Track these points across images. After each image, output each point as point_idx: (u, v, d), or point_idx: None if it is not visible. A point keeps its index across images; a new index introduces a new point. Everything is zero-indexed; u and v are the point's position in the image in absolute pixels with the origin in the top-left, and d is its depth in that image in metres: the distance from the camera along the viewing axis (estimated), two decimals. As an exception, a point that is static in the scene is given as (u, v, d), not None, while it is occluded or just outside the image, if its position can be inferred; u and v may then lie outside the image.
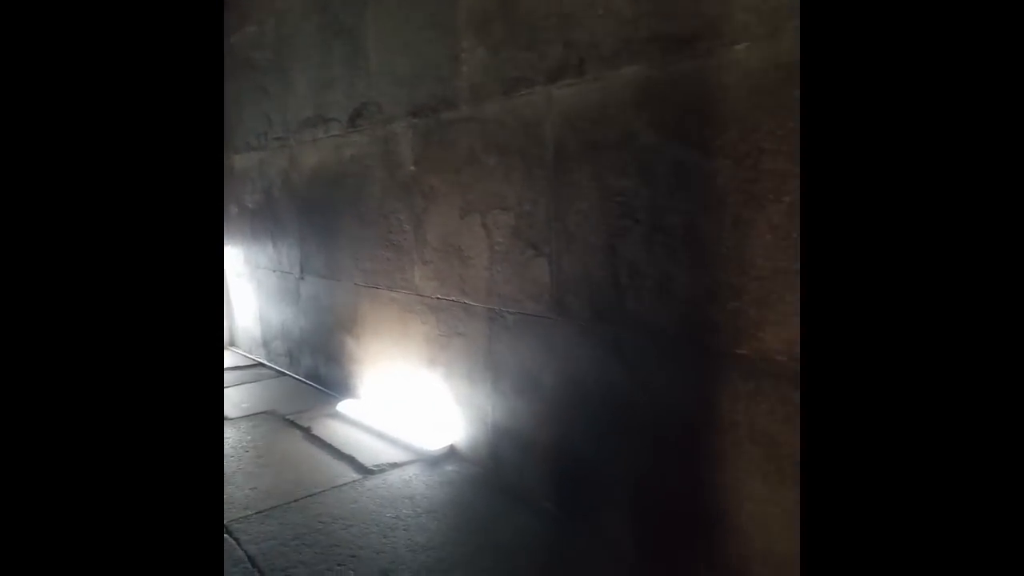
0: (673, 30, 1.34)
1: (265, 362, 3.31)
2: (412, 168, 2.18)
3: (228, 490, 1.82)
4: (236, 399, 2.69)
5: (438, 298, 2.12)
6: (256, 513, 1.70)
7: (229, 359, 3.41)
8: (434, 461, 2.00)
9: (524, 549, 1.53)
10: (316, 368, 2.89)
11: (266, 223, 3.18)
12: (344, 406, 2.48)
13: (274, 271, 3.17)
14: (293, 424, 2.35)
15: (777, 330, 1.23)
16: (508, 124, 1.78)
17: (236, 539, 1.56)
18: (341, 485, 1.87)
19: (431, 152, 2.09)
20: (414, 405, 2.23)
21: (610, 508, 1.58)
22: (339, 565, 1.46)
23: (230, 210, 3.54)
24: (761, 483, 1.28)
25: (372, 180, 2.38)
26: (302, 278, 2.92)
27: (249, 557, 1.49)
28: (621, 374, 1.53)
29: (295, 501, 1.77)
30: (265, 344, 3.36)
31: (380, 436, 2.19)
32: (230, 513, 1.69)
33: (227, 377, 3.04)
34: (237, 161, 3.41)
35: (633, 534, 1.53)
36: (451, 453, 2.04)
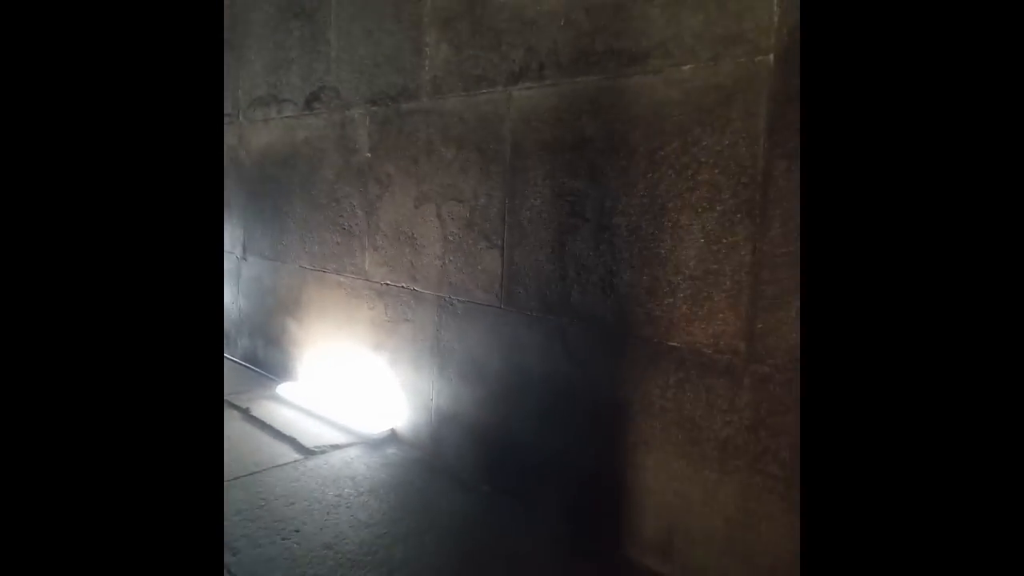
0: (627, 46, 1.45)
1: (199, 343, 3.22)
2: (368, 155, 2.20)
3: (163, 467, 1.79)
4: (168, 379, 2.61)
5: (387, 284, 2.16)
6: (194, 489, 1.68)
7: (159, 339, 3.28)
8: (375, 444, 2.04)
9: (463, 527, 1.61)
10: (254, 350, 2.85)
11: (208, 200, 3.09)
12: (283, 389, 2.47)
13: (214, 250, 3.09)
14: (231, 405, 2.32)
15: (705, 325, 1.36)
16: (468, 120, 1.85)
17: (174, 513, 1.55)
18: (282, 464, 1.88)
19: (388, 140, 2.13)
20: (357, 389, 2.26)
21: (546, 489, 1.68)
22: (283, 539, 1.49)
23: (168, 185, 3.41)
24: (685, 464, 1.41)
25: (326, 164, 2.39)
26: (244, 258, 2.87)
27: (188, 531, 1.49)
28: (564, 362, 1.63)
29: (236, 479, 1.77)
30: (199, 325, 3.26)
31: (321, 419, 2.21)
32: (166, 489, 1.67)
33: (157, 357, 2.94)
34: (179, 135, 3.30)
35: (567, 513, 1.63)
36: (393, 437, 2.08)
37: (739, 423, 1.32)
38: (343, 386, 2.32)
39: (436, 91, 1.95)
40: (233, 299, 2.96)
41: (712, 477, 1.37)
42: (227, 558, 1.40)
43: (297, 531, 1.52)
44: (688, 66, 1.36)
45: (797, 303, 1.23)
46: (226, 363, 2.90)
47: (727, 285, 1.32)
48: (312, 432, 2.09)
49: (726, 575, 1.35)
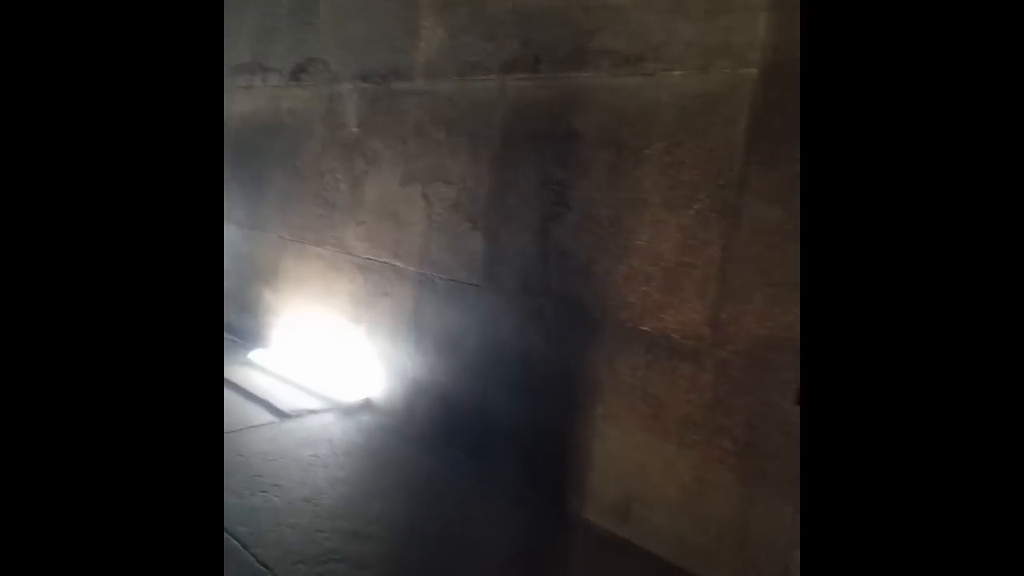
0: (623, 47, 1.56)
1: (163, 307, 3.18)
2: (356, 130, 2.24)
3: (138, 423, 1.82)
4: (135, 339, 2.60)
5: (368, 259, 2.22)
6: (171, 445, 1.72)
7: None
8: (351, 411, 2.11)
9: (435, 488, 1.70)
10: (229, 317, 2.85)
11: (181, 163, 3.05)
12: (258, 355, 2.50)
13: (185, 214, 3.05)
14: (202, 368, 2.33)
15: (675, 313, 1.49)
16: (460, 104, 1.92)
17: (155, 466, 1.59)
18: (258, 426, 1.93)
19: (377, 118, 2.17)
20: (333, 359, 2.31)
21: (517, 457, 1.79)
22: (263, 492, 1.55)
23: (138, 144, 3.34)
24: (646, 437, 1.54)
25: (311, 136, 2.41)
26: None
27: (169, 482, 1.53)
28: (540, 341, 1.74)
29: (211, 437, 1.80)
30: (165, 288, 3.22)
31: (296, 385, 2.25)
32: (144, 443, 1.70)
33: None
34: (153, 93, 3.23)
35: (536, 479, 1.75)
36: (368, 404, 2.15)
37: (699, 402, 1.45)
38: (319, 355, 2.37)
39: (429, 74, 2.01)
40: (204, 264, 2.94)
41: (671, 450, 1.50)
42: (209, 509, 1.46)
43: (276, 485, 1.59)
44: (678, 72, 1.47)
45: (759, 296, 1.36)
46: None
47: (697, 277, 1.45)
48: (287, 397, 2.14)
49: (679, 538, 1.49)
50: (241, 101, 2.71)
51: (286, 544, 1.38)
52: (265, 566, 1.30)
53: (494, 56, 1.83)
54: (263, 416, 2.00)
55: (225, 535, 1.37)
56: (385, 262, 2.15)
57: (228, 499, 1.50)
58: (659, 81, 1.49)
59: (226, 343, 2.69)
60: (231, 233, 2.79)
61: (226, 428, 1.88)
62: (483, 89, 1.86)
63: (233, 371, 2.34)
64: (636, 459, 1.56)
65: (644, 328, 1.54)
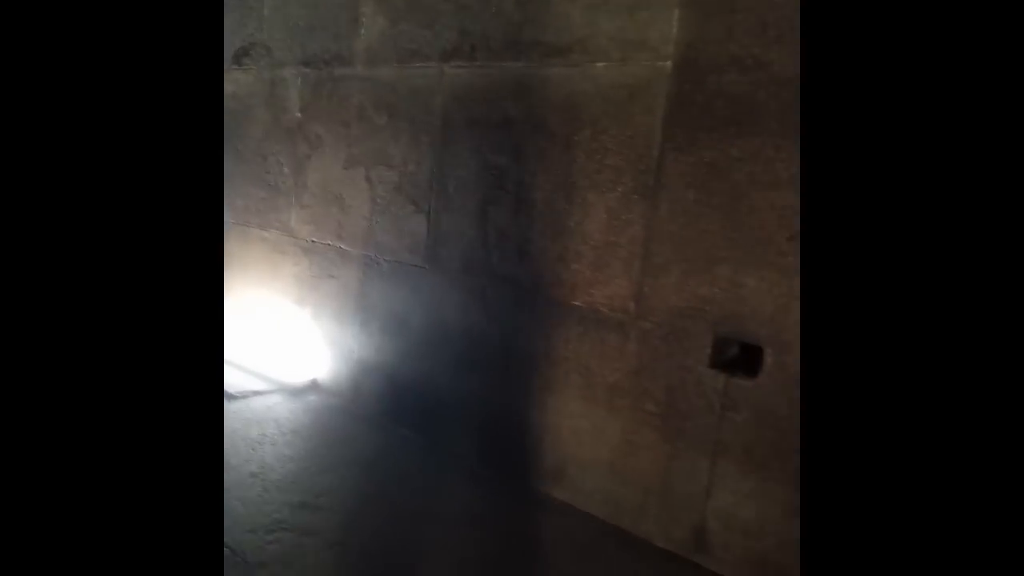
0: (551, 39, 1.65)
1: (101, 294, 3.11)
2: (298, 115, 2.26)
3: (79, 408, 1.82)
4: (72, 327, 2.55)
5: (313, 241, 2.25)
6: (115, 428, 1.73)
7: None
8: (297, 392, 2.15)
9: (382, 463, 1.78)
10: (166, 303, 2.82)
11: (117, 147, 2.98)
12: (201, 340, 2.49)
13: (122, 199, 2.99)
14: (144, 354, 2.32)
15: (604, 288, 1.60)
16: (400, 90, 1.98)
17: (99, 447, 1.61)
18: (204, 408, 1.95)
19: (320, 103, 2.20)
20: (278, 341, 2.34)
21: (460, 431, 1.88)
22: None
23: (69, 127, 3.23)
24: (580, 404, 1.65)
25: (253, 120, 2.41)
26: (158, 210, 2.82)
27: (114, 462, 1.55)
28: (482, 318, 1.83)
29: (156, 419, 1.82)
30: (102, 276, 3.15)
31: (240, 367, 2.27)
32: (86, 427, 1.71)
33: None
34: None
35: (479, 451, 1.84)
36: (314, 385, 2.20)
37: (625, 369, 1.58)
38: (264, 338, 2.39)
39: (370, 60, 2.05)
40: (143, 250, 2.90)
41: (601, 415, 1.62)
42: (156, 486, 1.49)
43: (225, 462, 1.63)
44: (601, 63, 1.57)
45: (677, 270, 1.49)
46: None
47: (623, 255, 1.57)
48: (233, 379, 2.16)
49: (610, 495, 1.61)
50: (179, 84, 2.67)
51: (235, 515, 1.43)
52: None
53: (433, 44, 1.89)
54: (209, 398, 2.02)
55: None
56: (330, 244, 2.19)
57: (175, 476, 1.53)
58: (584, 72, 1.59)
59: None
60: (171, 218, 2.76)
61: (171, 411, 1.90)
62: (423, 76, 1.92)
63: (177, 356, 2.33)
64: (570, 426, 1.68)
65: (576, 303, 1.65)
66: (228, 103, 2.49)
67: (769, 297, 1.36)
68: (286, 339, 2.32)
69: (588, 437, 1.65)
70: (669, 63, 1.48)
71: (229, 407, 1.98)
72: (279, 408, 2.02)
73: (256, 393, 2.09)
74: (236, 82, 2.46)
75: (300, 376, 2.20)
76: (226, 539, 1.34)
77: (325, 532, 1.42)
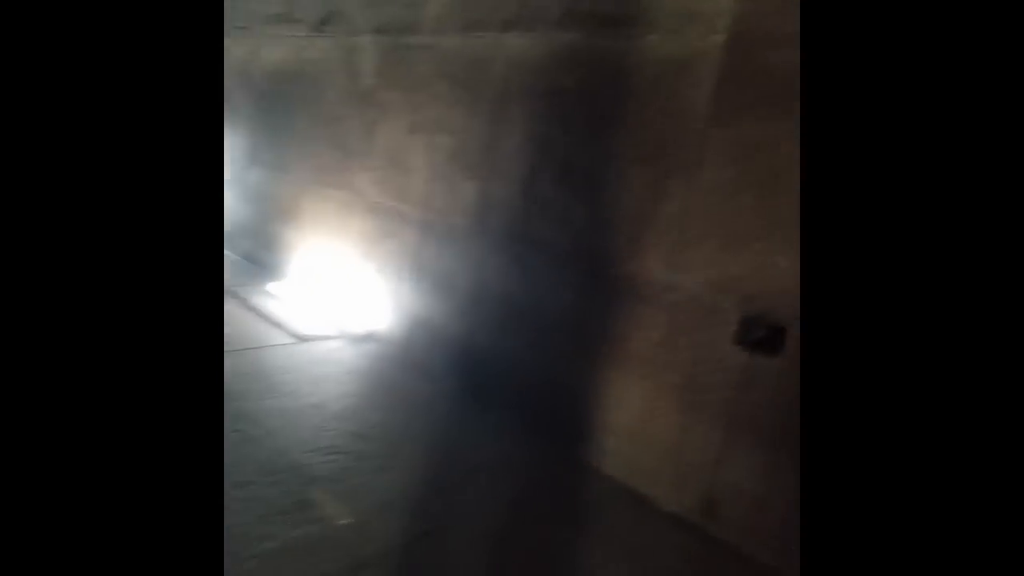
0: (607, 11, 1.68)
1: (199, 241, 3.47)
2: (371, 81, 2.41)
3: (175, 337, 2.10)
4: (173, 268, 2.90)
5: (378, 202, 2.42)
6: (202, 356, 2.00)
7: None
8: (357, 339, 2.36)
9: (428, 406, 1.95)
10: (253, 251, 3.12)
11: (215, 107, 3.27)
12: (279, 287, 2.76)
13: (219, 155, 3.29)
14: (232, 294, 2.61)
15: (638, 260, 1.66)
16: (462, 59, 2.07)
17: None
18: (275, 345, 2.19)
19: (390, 69, 2.33)
20: (343, 292, 2.56)
21: (497, 385, 2.02)
22: (281, 396, 1.82)
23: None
24: (607, 370, 1.73)
25: (331, 85, 2.58)
26: (248, 166, 3.09)
27: (199, 385, 1.81)
28: (521, 283, 1.93)
29: (239, 351, 2.08)
30: (201, 224, 3.50)
31: (310, 314, 2.51)
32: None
33: (161, 249, 3.20)
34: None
35: (512, 405, 1.97)
36: (372, 335, 2.40)
37: (653, 340, 1.64)
38: (332, 289, 2.62)
39: (437, 29, 2.15)
40: (236, 203, 3.20)
41: (626, 381, 1.70)
42: (236, 404, 1.73)
43: (292, 393, 1.85)
44: (654, 35, 1.59)
45: (710, 247, 1.52)
46: (227, 258, 3.17)
47: (659, 228, 1.61)
48: (302, 323, 2.40)
49: (628, 458, 1.70)
50: (271, 50, 2.89)
51: (299, 437, 1.64)
52: (282, 452, 1.56)
53: (493, 15, 1.96)
54: (280, 338, 2.26)
55: (250, 426, 1.64)
56: (392, 206, 2.36)
57: (252, 399, 1.77)
58: (637, 44, 1.61)
59: (250, 273, 2.96)
60: (258, 174, 3.03)
61: (250, 345, 2.15)
62: (483, 45, 2.00)
63: (258, 299, 2.61)
64: (597, 390, 1.76)
65: (610, 273, 1.71)
66: (308, 69, 2.68)
67: (793, 272, 1.37)
68: (351, 291, 2.53)
69: (612, 402, 1.73)
70: (722, 36, 1.48)
71: (297, 347, 2.21)
72: (341, 352, 2.23)
73: (322, 337, 2.32)
74: (317, 48, 2.63)
75: (361, 325, 2.41)
76: (291, 456, 1.55)
77: (373, 458, 1.61)
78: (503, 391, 2.00)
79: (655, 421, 1.64)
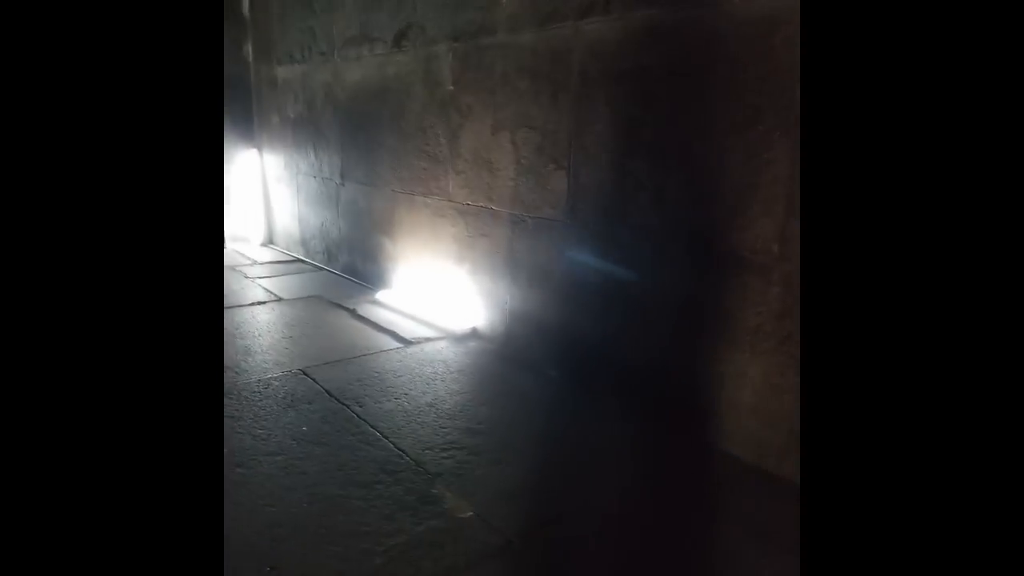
0: (685, -19, 1.62)
1: (303, 258, 3.71)
2: (451, 87, 2.47)
3: (297, 349, 2.26)
4: (284, 285, 3.10)
5: (467, 204, 2.48)
6: (324, 364, 2.13)
7: (269, 255, 3.80)
8: (460, 338, 2.42)
9: (535, 398, 1.97)
10: (353, 264, 3.29)
11: (307, 132, 3.48)
12: (381, 295, 2.89)
13: (314, 177, 3.50)
14: (339, 306, 2.77)
15: (744, 231, 1.59)
16: (540, 52, 2.08)
17: (312, 379, 2.00)
18: (387, 350, 2.30)
19: (468, 74, 2.38)
20: (442, 295, 2.64)
21: (602, 371, 2.01)
22: (395, 399, 1.90)
23: (271, 119, 3.82)
24: (722, 347, 1.68)
25: (412, 97, 2.68)
26: (342, 184, 3.26)
27: (325, 390, 1.93)
28: (619, 268, 1.91)
29: (352, 358, 2.20)
30: (303, 243, 3.74)
31: (414, 318, 2.61)
32: (303, 363, 2.13)
33: (270, 269, 3.45)
34: (280, 72, 3.66)
35: (620, 390, 1.96)
36: (474, 333, 2.46)
37: (768, 313, 1.57)
38: (431, 292, 2.71)
39: (511, 26, 2.17)
40: (334, 220, 3.39)
41: (744, 358, 1.64)
42: (355, 408, 1.83)
43: (406, 394, 1.94)
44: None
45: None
46: (329, 275, 3.36)
47: (764, 196, 1.54)
48: (408, 328, 2.50)
49: (752, 436, 1.64)
50: (352, 71, 3.04)
51: (416, 436, 1.71)
52: (402, 451, 1.64)
53: (569, 2, 1.95)
54: (390, 343, 2.37)
55: (370, 428, 1.73)
56: (482, 206, 2.40)
57: (368, 403, 1.86)
58: (719, 10, 1.55)
59: (356, 287, 3.12)
60: (352, 190, 3.18)
61: (361, 352, 2.27)
62: (560, 35, 1.99)
63: (364, 308, 2.75)
64: (713, 369, 1.71)
65: (716, 248, 1.66)
66: (391, 84, 2.79)
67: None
68: (448, 293, 2.60)
69: (730, 380, 1.68)
70: (813, -12, 1.39)
71: (406, 350, 2.31)
72: (446, 352, 2.30)
73: (427, 339, 2.40)
74: (397, 63, 2.73)
75: (462, 324, 2.48)
76: (410, 455, 1.62)
77: (488, 451, 1.65)
78: (612, 378, 1.98)
79: (779, 396, 1.57)
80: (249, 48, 3.93)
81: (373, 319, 2.60)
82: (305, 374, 2.04)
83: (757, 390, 1.62)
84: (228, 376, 2.01)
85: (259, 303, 2.82)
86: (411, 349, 2.32)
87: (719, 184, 1.62)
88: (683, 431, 1.77)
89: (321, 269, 3.48)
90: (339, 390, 1.94)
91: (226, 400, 1.85)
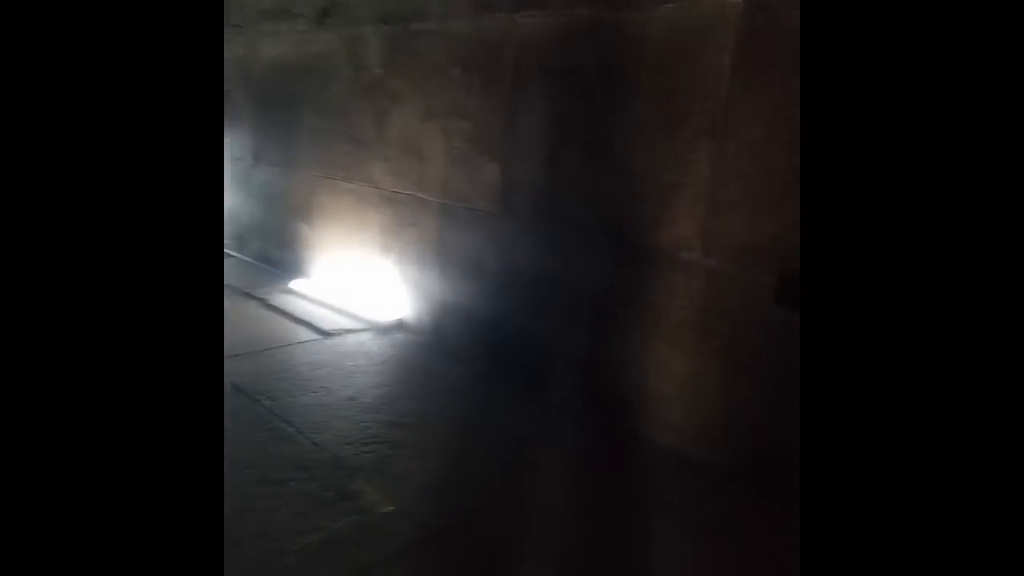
0: (621, -18, 1.66)
1: (209, 245, 3.45)
2: (379, 71, 2.39)
3: (202, 339, 2.09)
4: (188, 273, 2.88)
5: (395, 192, 2.40)
6: (231, 356, 1.98)
7: (170, 240, 3.51)
8: (385, 330, 2.35)
9: (463, 391, 1.95)
10: (266, 251, 3.10)
11: (217, 109, 3.24)
12: (297, 284, 2.75)
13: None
14: (249, 295, 2.60)
15: (670, 228, 1.65)
16: (473, 42, 2.05)
17: (221, 370, 1.86)
18: (303, 342, 2.18)
19: (399, 58, 2.31)
20: (366, 285, 2.54)
21: (533, 366, 2.01)
22: (313, 392, 1.81)
23: (175, 92, 3.53)
24: (647, 341, 1.73)
25: (337, 78, 2.56)
26: (255, 166, 3.07)
27: (235, 386, 1.80)
28: (552, 261, 1.93)
29: (264, 351, 2.07)
30: (209, 229, 3.48)
31: (334, 309, 2.50)
32: (209, 354, 1.97)
33: (173, 255, 3.18)
34: (186, 42, 3.39)
35: (550, 384, 1.97)
36: (400, 324, 2.39)
37: (691, 307, 1.64)
38: (354, 283, 2.60)
39: (444, 13, 2.13)
40: (244, 204, 3.18)
41: (667, 350, 1.70)
42: (266, 403, 1.73)
43: (324, 387, 1.85)
44: (670, 4, 1.58)
45: (743, 209, 1.51)
46: (239, 262, 3.15)
47: (688, 195, 1.61)
48: (327, 319, 2.39)
49: (673, 424, 1.70)
50: (269, 47, 2.86)
51: (335, 431, 1.63)
52: (319, 446, 1.56)
53: (504, -6, 1.94)
54: (307, 334, 2.26)
55: (283, 423, 1.63)
56: (411, 195, 2.34)
57: (282, 397, 1.76)
58: (653, 14, 1.60)
59: (268, 275, 2.95)
60: (266, 173, 3.00)
61: (274, 344, 2.14)
62: (494, 27, 1.98)
63: (277, 298, 2.60)
64: (639, 361, 1.76)
65: (643, 245, 1.71)
66: (312, 63, 2.66)
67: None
68: (374, 283, 2.52)
69: (656, 371, 1.73)
70: (740, 0, 1.47)
71: (325, 342, 2.20)
72: (370, 344, 2.22)
73: (349, 331, 2.31)
74: (320, 42, 2.61)
75: (388, 316, 2.40)
76: (328, 450, 1.54)
77: (410, 446, 1.60)
78: (541, 370, 1.99)
79: (700, 387, 1.64)
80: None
81: (288, 309, 2.46)
82: (214, 366, 1.89)
83: (679, 381, 1.69)
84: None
85: (159, 290, 2.59)
86: (330, 341, 2.22)
87: (650, 183, 1.68)
88: (613, 423, 1.81)
89: (230, 256, 3.26)
90: (249, 384, 1.82)
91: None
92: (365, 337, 2.28)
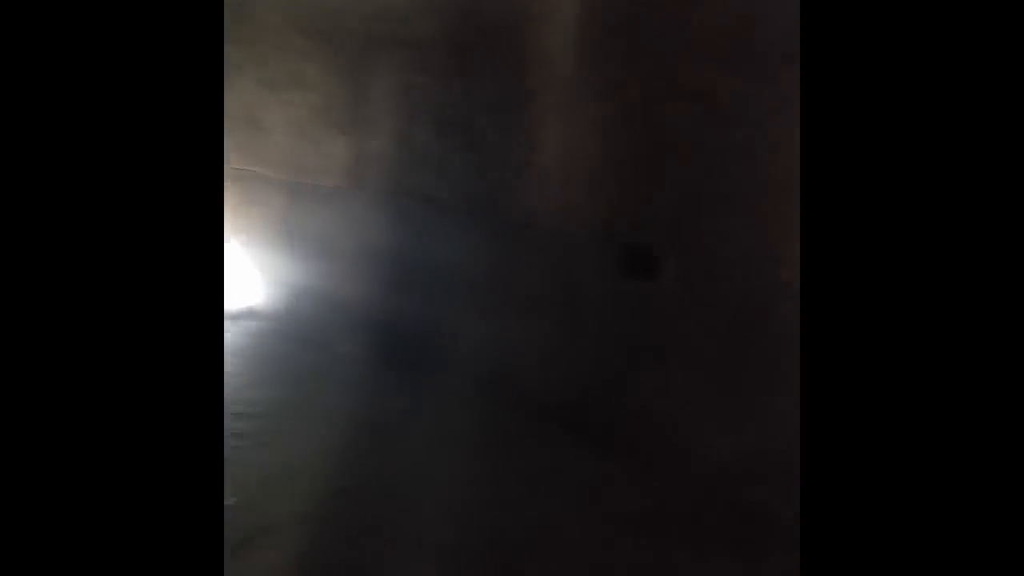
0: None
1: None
2: (210, 34, 2.17)
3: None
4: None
5: (236, 168, 2.22)
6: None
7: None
8: (234, 317, 2.18)
9: (321, 377, 1.87)
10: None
11: None
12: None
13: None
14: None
15: (522, 204, 1.68)
16: (317, 8, 1.93)
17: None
18: (136, 335, 1.97)
19: (235, 24, 2.11)
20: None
21: (396, 350, 1.98)
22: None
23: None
24: (513, 314, 1.76)
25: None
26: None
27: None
28: (408, 239, 1.89)
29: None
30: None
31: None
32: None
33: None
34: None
35: (415, 362, 1.94)
36: (250, 312, 2.23)
37: (543, 278, 1.68)
38: (194, 268, 2.38)
39: (283, -26, 1.98)
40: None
41: (524, 323, 1.74)
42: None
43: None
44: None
45: (590, 180, 1.57)
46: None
47: (540, 169, 1.65)
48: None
49: (530, 390, 1.75)
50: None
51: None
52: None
53: (347, -42, 1.84)
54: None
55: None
56: (251, 170, 2.18)
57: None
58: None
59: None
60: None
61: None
62: (338, -8, 1.87)
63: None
64: (497, 335, 1.79)
65: (497, 220, 1.73)
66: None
67: (667, 202, 1.47)
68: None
69: (507, 345, 1.77)
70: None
71: (162, 333, 2.01)
72: (214, 333, 2.06)
73: (189, 320, 2.12)
74: None
75: (236, 303, 2.23)
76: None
77: (257, 435, 1.54)
78: (403, 350, 1.96)
79: (557, 354, 1.69)
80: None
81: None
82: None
83: (535, 351, 1.74)
84: None
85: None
86: (169, 332, 2.02)
87: (502, 158, 1.69)
88: (472, 394, 1.83)
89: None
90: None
91: None
92: (210, 326, 2.11)
